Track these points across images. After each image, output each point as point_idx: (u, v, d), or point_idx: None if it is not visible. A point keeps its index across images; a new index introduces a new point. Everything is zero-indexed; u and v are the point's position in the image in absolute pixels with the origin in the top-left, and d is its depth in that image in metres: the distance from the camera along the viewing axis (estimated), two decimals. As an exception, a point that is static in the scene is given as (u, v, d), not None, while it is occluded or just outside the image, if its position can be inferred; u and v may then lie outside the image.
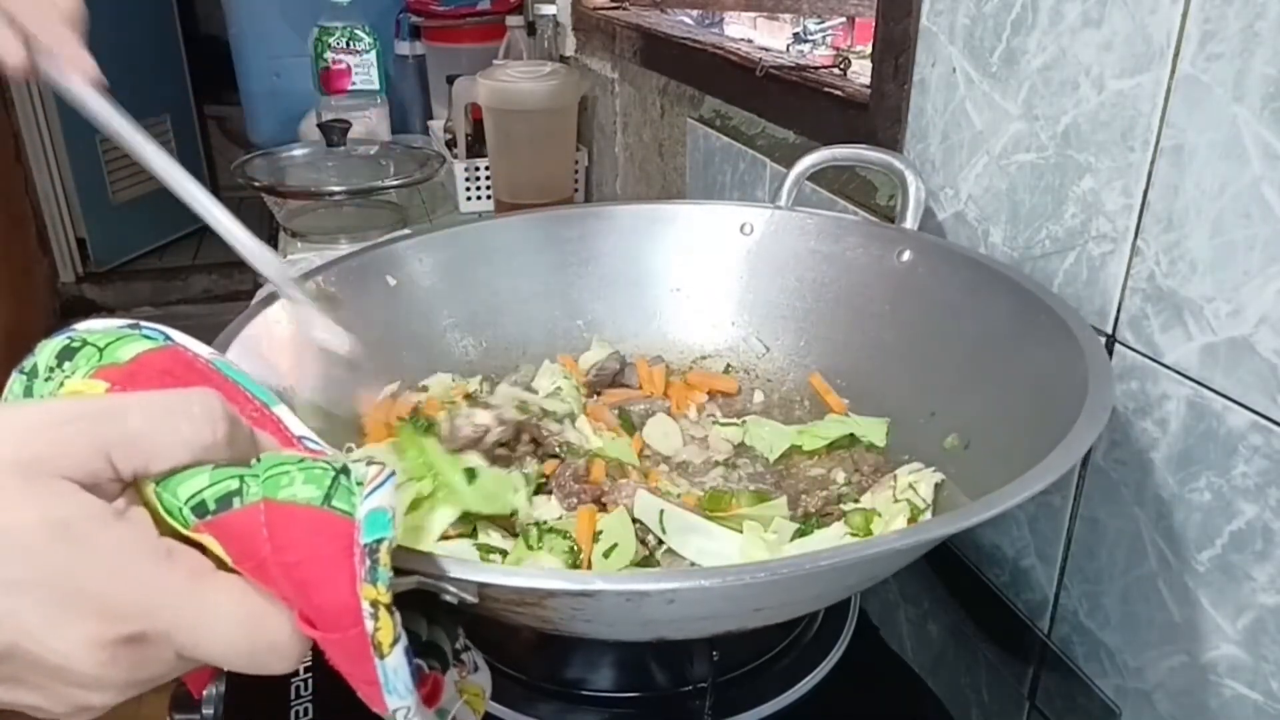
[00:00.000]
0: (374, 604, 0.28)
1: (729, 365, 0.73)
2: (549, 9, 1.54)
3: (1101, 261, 0.54)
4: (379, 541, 0.28)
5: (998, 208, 0.62)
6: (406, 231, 0.64)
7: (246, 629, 0.28)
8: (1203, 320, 0.47)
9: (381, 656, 0.28)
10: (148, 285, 3.43)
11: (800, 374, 0.70)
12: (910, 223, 0.67)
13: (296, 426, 0.35)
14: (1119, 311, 0.53)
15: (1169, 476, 0.50)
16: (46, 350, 0.33)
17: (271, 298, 0.56)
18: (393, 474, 0.30)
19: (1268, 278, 0.44)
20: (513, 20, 1.54)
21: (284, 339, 0.56)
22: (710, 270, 0.73)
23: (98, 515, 0.27)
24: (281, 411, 0.35)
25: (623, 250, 0.74)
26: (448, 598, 0.34)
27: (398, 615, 0.29)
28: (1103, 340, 0.53)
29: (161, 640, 0.27)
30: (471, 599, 0.34)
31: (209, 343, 0.38)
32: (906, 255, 0.65)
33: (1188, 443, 0.49)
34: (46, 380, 0.32)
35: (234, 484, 0.28)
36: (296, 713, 0.52)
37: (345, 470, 0.29)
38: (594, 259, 0.73)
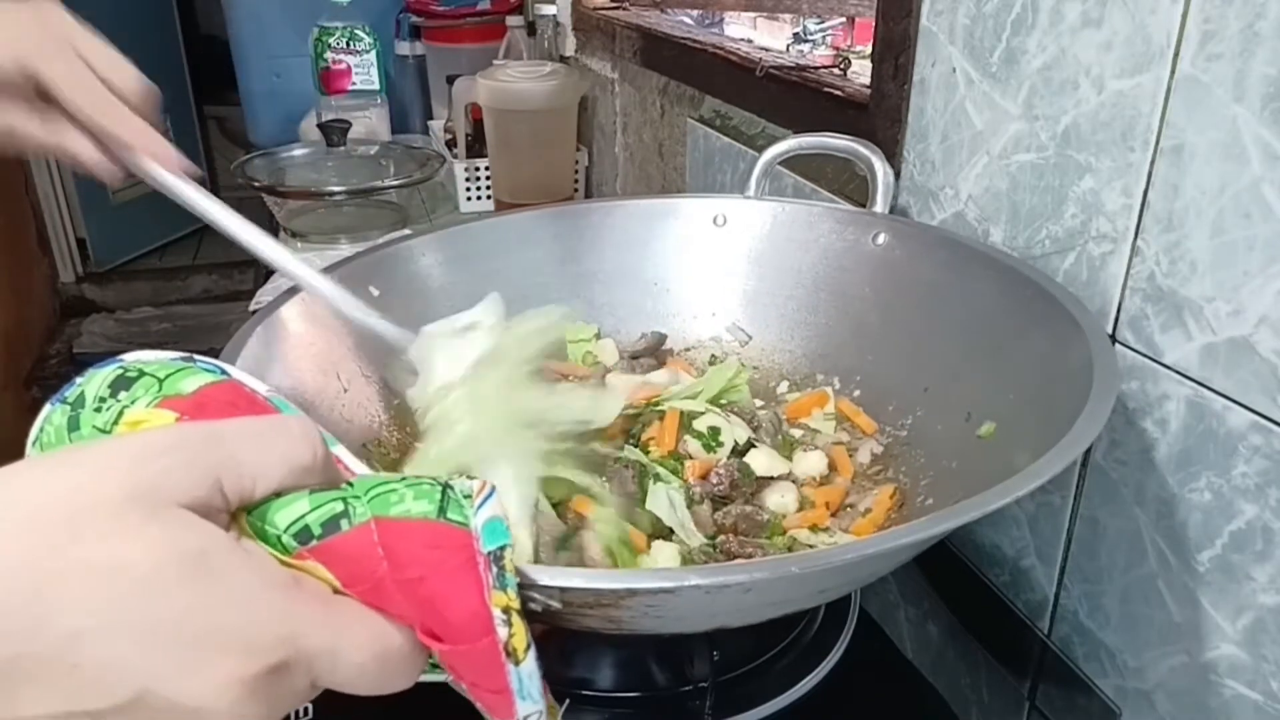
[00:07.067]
0: (506, 610, 0.28)
1: (713, 356, 0.73)
2: (549, 9, 1.54)
3: (1101, 261, 0.54)
4: (502, 549, 0.28)
5: (998, 208, 0.62)
6: (406, 231, 0.64)
7: (377, 649, 0.27)
8: (1203, 320, 0.47)
9: (517, 662, 0.28)
10: (148, 285, 3.43)
11: (785, 359, 0.71)
12: (880, 206, 0.68)
13: (356, 465, 0.34)
14: (1119, 311, 0.53)
15: (1169, 476, 0.50)
16: (96, 380, 0.31)
17: (268, 309, 0.56)
18: (495, 488, 0.30)
19: (1268, 278, 0.44)
20: (513, 20, 1.54)
21: (294, 345, 0.56)
22: (687, 263, 0.74)
23: (226, 544, 0.25)
24: (340, 451, 0.34)
25: (599, 248, 0.74)
26: (532, 605, 0.33)
27: (526, 621, 0.28)
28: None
29: (301, 669, 0.26)
30: (556, 605, 0.34)
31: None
32: (882, 238, 0.66)
33: (1188, 443, 0.49)
34: (97, 410, 0.30)
35: (338, 506, 0.27)
36: (296, 713, 0.52)
37: (449, 485, 0.29)
38: (570, 258, 0.74)
